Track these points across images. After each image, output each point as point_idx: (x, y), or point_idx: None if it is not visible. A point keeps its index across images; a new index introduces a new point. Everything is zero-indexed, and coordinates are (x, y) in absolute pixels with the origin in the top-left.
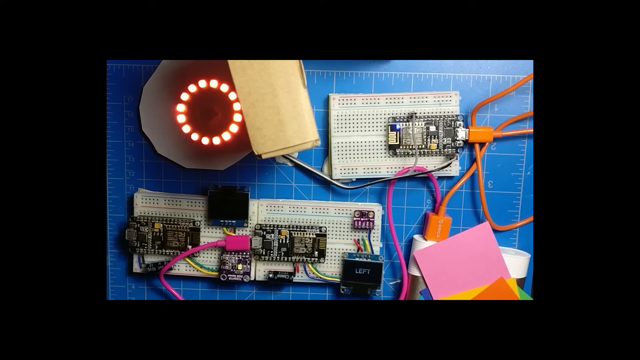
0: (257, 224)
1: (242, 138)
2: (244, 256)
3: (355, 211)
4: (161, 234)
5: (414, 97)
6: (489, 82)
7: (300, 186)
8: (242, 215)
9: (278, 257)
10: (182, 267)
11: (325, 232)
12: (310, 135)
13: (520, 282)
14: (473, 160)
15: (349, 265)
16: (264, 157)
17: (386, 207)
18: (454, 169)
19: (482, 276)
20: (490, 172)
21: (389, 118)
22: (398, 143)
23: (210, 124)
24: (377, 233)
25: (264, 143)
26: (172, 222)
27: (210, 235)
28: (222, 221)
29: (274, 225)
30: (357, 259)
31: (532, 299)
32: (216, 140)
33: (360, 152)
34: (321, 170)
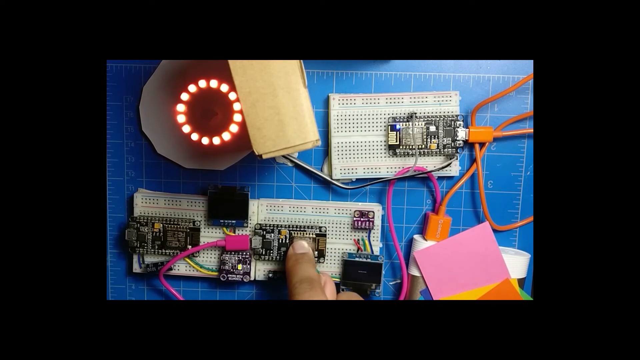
0: (257, 223)
1: (242, 138)
2: (243, 256)
3: (355, 211)
4: (161, 234)
5: (414, 97)
6: (489, 82)
7: (300, 186)
8: (242, 215)
9: (278, 257)
10: (182, 267)
11: (325, 232)
12: (311, 135)
13: (520, 282)
14: (473, 160)
15: (348, 265)
16: (264, 157)
17: (386, 207)
18: (454, 169)
19: (482, 276)
20: (490, 172)
21: (389, 118)
22: (398, 143)
23: (210, 124)
24: (377, 233)
25: (264, 143)
26: (172, 222)
27: (210, 235)
28: (222, 221)
29: (273, 225)
30: (357, 259)
31: (532, 299)
32: (216, 140)
33: (360, 152)
34: (321, 170)
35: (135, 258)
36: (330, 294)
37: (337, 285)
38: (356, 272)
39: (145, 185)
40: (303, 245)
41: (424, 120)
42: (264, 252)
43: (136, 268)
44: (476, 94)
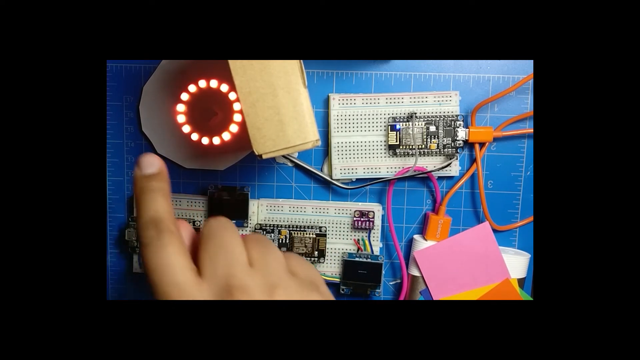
0: (257, 223)
1: (242, 138)
2: None
3: (355, 211)
4: None
5: (414, 97)
6: (489, 82)
7: (300, 186)
8: (242, 215)
9: None
10: None
11: (325, 232)
12: (311, 135)
13: (520, 282)
14: (473, 160)
15: (348, 265)
16: (264, 157)
17: (386, 207)
18: (454, 169)
19: (482, 276)
20: (490, 172)
21: (389, 118)
22: (398, 143)
23: (210, 124)
24: (377, 233)
25: (264, 143)
26: None
27: None
28: None
29: (274, 225)
30: (357, 259)
31: (532, 299)
32: (216, 140)
33: (360, 152)
34: (321, 170)
35: (135, 258)
36: (188, 237)
37: (337, 285)
38: (356, 272)
39: None
40: (152, 162)
41: (424, 120)
42: None
43: (136, 268)
44: (476, 94)
